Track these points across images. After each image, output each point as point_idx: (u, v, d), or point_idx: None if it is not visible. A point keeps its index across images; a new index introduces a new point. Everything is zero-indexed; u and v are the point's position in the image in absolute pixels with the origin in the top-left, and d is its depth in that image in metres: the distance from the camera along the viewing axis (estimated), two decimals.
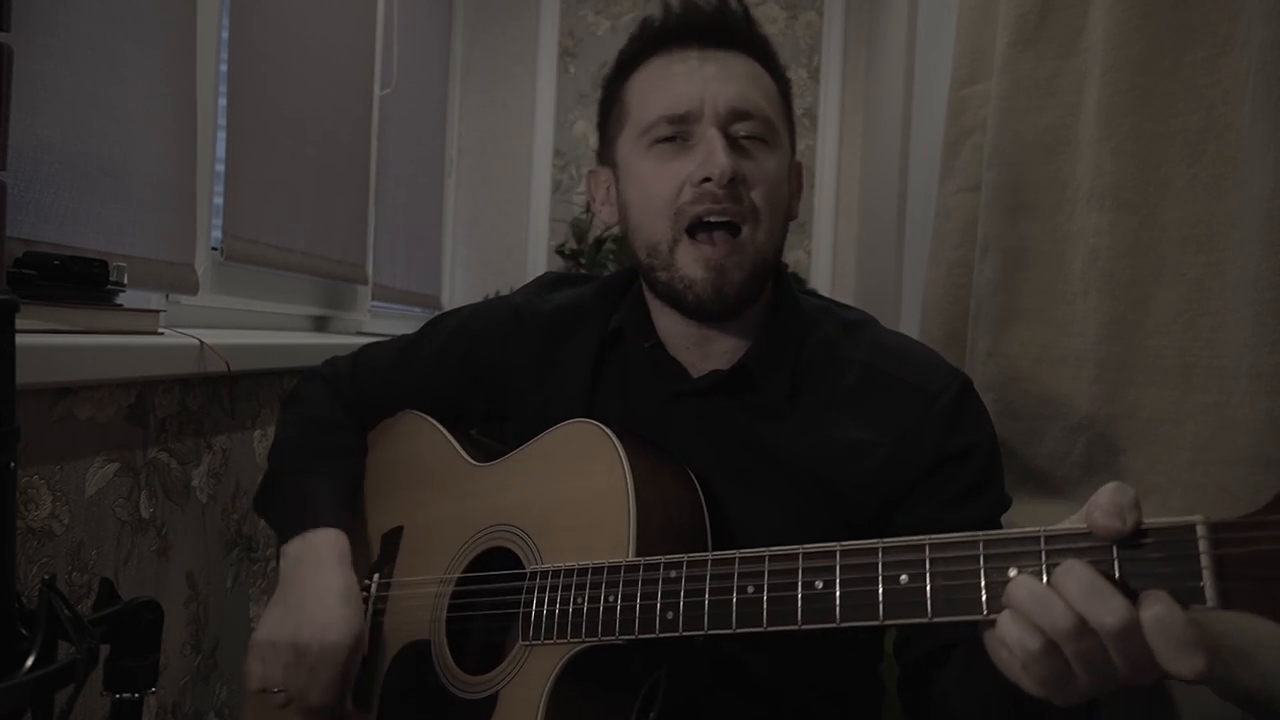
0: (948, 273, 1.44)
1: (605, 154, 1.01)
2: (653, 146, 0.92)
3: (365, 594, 1.04)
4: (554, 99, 3.47)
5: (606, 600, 0.80)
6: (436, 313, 1.46)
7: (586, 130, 3.46)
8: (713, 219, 0.89)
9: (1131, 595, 0.57)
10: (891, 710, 1.00)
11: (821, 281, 3.43)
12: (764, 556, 0.73)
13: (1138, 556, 0.58)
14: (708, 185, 0.88)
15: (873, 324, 0.99)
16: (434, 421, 1.09)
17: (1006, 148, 1.25)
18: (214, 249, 1.61)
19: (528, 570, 0.88)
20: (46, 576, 0.63)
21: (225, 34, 1.58)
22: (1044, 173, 1.21)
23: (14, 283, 0.95)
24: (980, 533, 0.64)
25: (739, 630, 0.72)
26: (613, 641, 0.79)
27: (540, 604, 0.84)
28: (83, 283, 1.05)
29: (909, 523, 0.85)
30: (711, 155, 0.88)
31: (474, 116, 3.46)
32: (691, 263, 0.90)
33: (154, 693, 0.78)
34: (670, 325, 0.98)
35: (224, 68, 1.58)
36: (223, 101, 1.59)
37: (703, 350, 0.97)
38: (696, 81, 0.90)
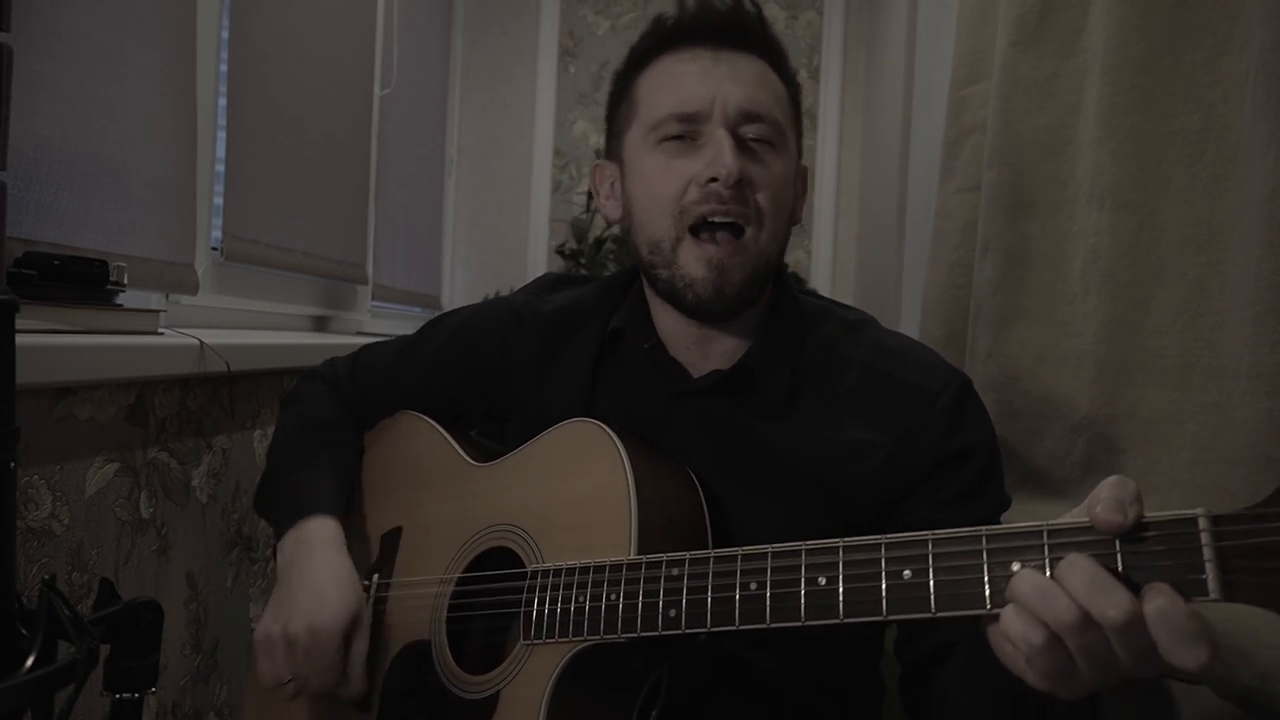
0: (948, 273, 1.44)
1: (612, 148, 1.00)
2: (660, 143, 0.92)
3: (365, 594, 1.03)
4: (554, 99, 3.47)
5: (608, 599, 0.80)
6: (436, 313, 1.46)
7: (586, 130, 3.46)
8: (717, 219, 0.89)
9: (1134, 588, 0.57)
10: (892, 709, 1.00)
11: (821, 281, 3.43)
12: (767, 553, 0.73)
13: (1140, 550, 0.58)
14: (714, 185, 0.88)
15: (873, 324, 0.99)
16: (432, 422, 1.09)
17: (1006, 148, 1.25)
18: (214, 249, 1.61)
19: (529, 569, 0.88)
20: (46, 576, 0.63)
21: (225, 34, 1.58)
22: (1044, 173, 1.21)
23: (14, 283, 0.95)
24: (983, 528, 0.64)
25: (742, 627, 0.72)
26: (615, 640, 0.79)
27: (541, 603, 0.84)
28: (83, 283, 1.05)
29: (909, 523, 0.84)
30: (719, 156, 0.88)
31: (474, 116, 3.46)
32: (694, 261, 0.90)
33: (154, 693, 0.78)
34: (670, 325, 0.98)
35: (224, 68, 1.58)
36: (223, 101, 1.59)
37: (703, 350, 0.97)
38: (708, 81, 0.90)
